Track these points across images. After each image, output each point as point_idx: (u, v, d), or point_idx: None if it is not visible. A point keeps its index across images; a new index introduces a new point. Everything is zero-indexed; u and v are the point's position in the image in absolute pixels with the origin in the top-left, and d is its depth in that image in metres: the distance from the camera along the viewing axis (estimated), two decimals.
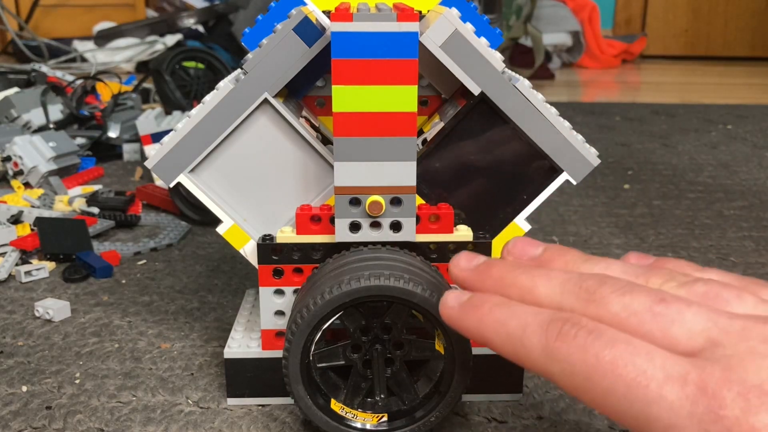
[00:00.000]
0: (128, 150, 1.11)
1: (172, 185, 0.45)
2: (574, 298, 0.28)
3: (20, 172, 0.93)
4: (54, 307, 0.59)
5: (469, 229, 0.44)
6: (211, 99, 0.44)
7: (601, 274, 0.28)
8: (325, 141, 0.46)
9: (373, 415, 0.42)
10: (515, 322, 0.27)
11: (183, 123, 0.44)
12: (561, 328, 0.26)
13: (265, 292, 0.45)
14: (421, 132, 0.49)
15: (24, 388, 0.49)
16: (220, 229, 0.46)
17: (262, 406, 0.46)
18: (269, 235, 0.44)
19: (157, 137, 1.03)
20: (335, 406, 0.42)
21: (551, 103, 0.45)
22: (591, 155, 0.45)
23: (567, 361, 0.25)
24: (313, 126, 0.47)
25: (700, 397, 0.22)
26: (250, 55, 0.44)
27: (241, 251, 0.46)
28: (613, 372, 0.24)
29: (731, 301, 0.26)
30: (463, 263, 0.32)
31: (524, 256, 0.32)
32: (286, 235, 0.44)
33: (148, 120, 1.05)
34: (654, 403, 0.23)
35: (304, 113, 0.47)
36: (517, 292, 0.29)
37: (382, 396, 0.43)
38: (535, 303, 0.28)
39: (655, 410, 0.23)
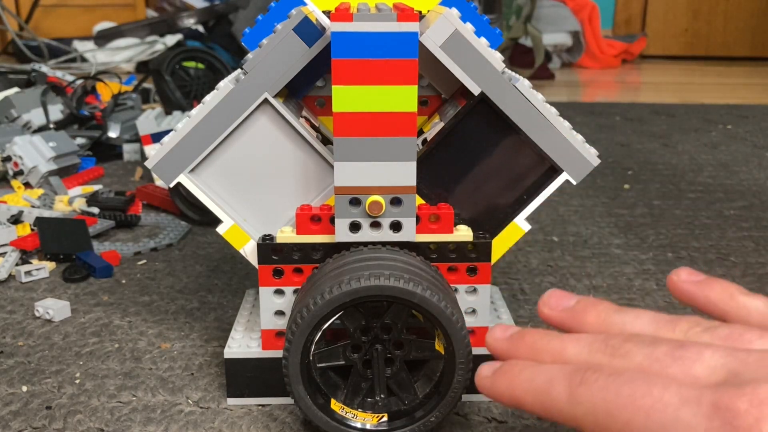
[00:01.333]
0: (128, 150, 1.11)
1: (172, 185, 0.45)
2: (601, 355, 0.29)
3: (20, 172, 0.93)
4: (54, 307, 0.59)
5: (469, 229, 0.44)
6: (211, 99, 0.44)
7: (627, 333, 0.30)
8: (325, 141, 0.46)
9: (373, 415, 0.42)
10: (543, 377, 0.29)
11: (183, 123, 0.44)
12: (584, 375, 0.27)
13: (265, 292, 0.45)
14: (421, 132, 0.49)
15: (24, 388, 0.49)
16: (220, 229, 0.46)
17: (262, 406, 0.46)
18: (269, 235, 0.44)
19: (157, 137, 1.03)
20: (335, 406, 0.42)
21: (551, 103, 0.45)
22: (591, 155, 0.45)
23: (590, 401, 0.27)
24: (313, 126, 0.47)
25: (714, 413, 0.23)
26: (250, 55, 0.44)
27: (241, 251, 0.46)
28: (633, 404, 0.25)
29: (753, 341, 0.27)
30: (498, 334, 0.33)
31: (558, 308, 0.33)
32: (286, 235, 0.44)
33: (148, 120, 1.05)
34: (671, 426, 0.24)
35: (304, 113, 0.47)
36: (549, 357, 0.31)
37: (382, 396, 0.43)
38: (565, 363, 0.30)
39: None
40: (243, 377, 0.46)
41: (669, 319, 0.30)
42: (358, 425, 0.42)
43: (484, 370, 0.32)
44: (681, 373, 0.26)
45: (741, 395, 0.23)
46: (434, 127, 0.46)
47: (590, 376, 0.27)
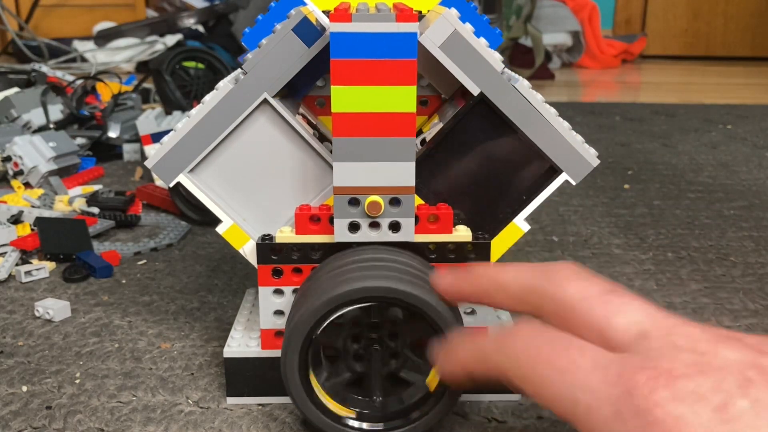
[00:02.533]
0: (128, 150, 1.11)
1: (172, 185, 0.45)
2: (538, 280, 0.32)
3: (20, 172, 0.93)
4: (54, 307, 0.59)
5: (468, 229, 0.44)
6: (210, 99, 0.44)
7: (570, 267, 0.33)
8: (322, 138, 0.46)
9: (371, 414, 0.42)
10: (477, 343, 0.34)
11: (183, 123, 0.44)
12: (513, 329, 0.31)
13: (265, 292, 0.45)
14: (420, 132, 0.49)
15: (24, 388, 0.49)
16: (220, 229, 0.46)
17: (262, 405, 0.46)
18: (268, 234, 0.44)
19: (157, 137, 1.03)
20: (332, 404, 0.42)
21: (551, 103, 0.45)
22: (590, 155, 0.45)
23: (514, 352, 0.30)
24: (310, 123, 0.47)
25: (617, 382, 0.25)
26: (249, 55, 0.44)
27: (241, 251, 0.46)
28: (550, 362, 0.28)
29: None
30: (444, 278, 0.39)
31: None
32: (286, 234, 0.44)
33: (148, 120, 1.05)
34: (579, 388, 0.26)
35: (301, 110, 0.47)
36: (487, 282, 0.36)
37: (379, 396, 0.43)
38: (503, 285, 0.34)
39: (579, 394, 0.26)
40: (242, 376, 0.46)
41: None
42: (355, 425, 0.42)
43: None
44: (603, 318, 0.28)
45: (642, 368, 0.25)
46: (433, 127, 0.46)
47: (519, 330, 0.30)
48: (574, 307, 0.30)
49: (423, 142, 0.47)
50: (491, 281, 0.35)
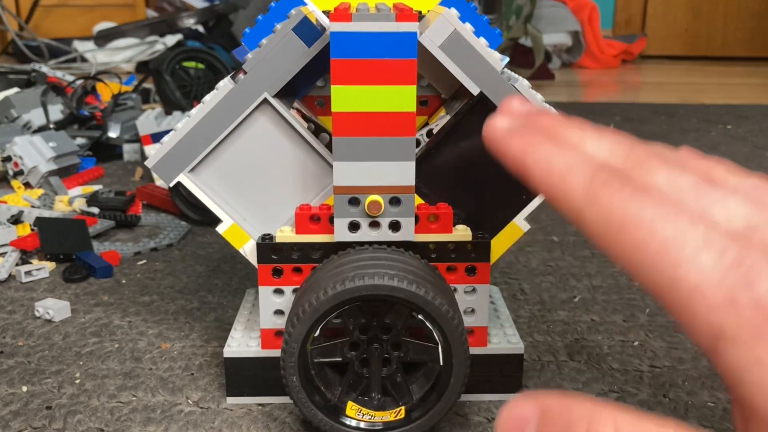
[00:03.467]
0: (128, 150, 1.11)
1: (172, 185, 0.45)
2: (621, 162, 0.26)
3: (20, 172, 0.93)
4: (54, 307, 0.59)
5: (468, 228, 0.44)
6: (210, 99, 0.44)
7: (654, 148, 0.27)
8: (318, 131, 0.46)
9: (373, 412, 0.42)
10: (562, 160, 0.26)
11: (183, 123, 0.44)
12: (609, 177, 0.25)
13: (265, 292, 0.45)
14: (426, 124, 0.49)
15: (24, 388, 0.49)
16: (220, 229, 0.46)
17: (262, 405, 0.46)
18: (269, 234, 0.44)
19: (157, 137, 1.03)
20: (333, 404, 0.42)
21: (551, 103, 0.45)
22: None
23: (606, 206, 0.24)
24: (304, 117, 0.47)
25: (735, 268, 0.22)
26: (249, 55, 0.44)
27: (241, 251, 0.46)
28: (652, 227, 0.23)
29: None
30: (515, 105, 0.30)
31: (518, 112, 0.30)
32: (286, 234, 0.44)
33: (148, 120, 1.05)
34: (684, 265, 0.22)
35: (295, 105, 0.47)
36: (563, 143, 0.28)
37: (378, 396, 0.43)
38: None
39: (683, 272, 0.22)
40: (242, 376, 0.46)
41: (693, 155, 0.27)
42: (353, 423, 0.42)
43: (499, 121, 0.29)
44: (699, 210, 0.24)
45: (765, 259, 0.21)
46: (441, 119, 0.47)
47: (617, 181, 0.25)
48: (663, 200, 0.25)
49: (429, 133, 0.47)
50: (567, 146, 0.28)
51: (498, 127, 0.29)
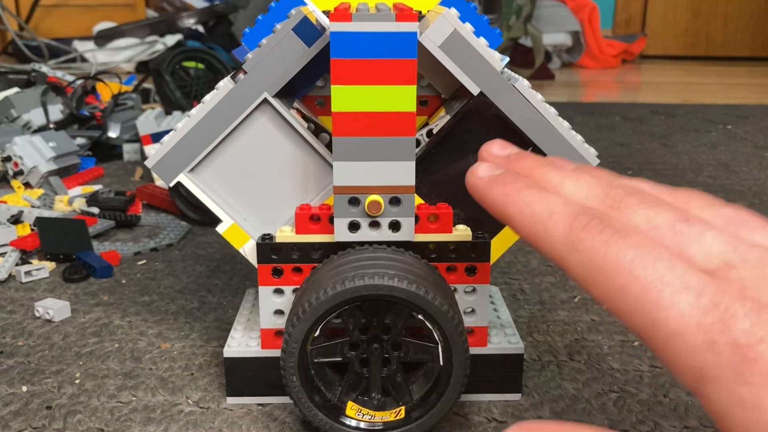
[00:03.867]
0: (128, 150, 1.11)
1: (172, 185, 0.45)
2: (599, 202, 0.27)
3: (20, 172, 0.93)
4: (54, 307, 0.59)
5: (468, 228, 0.44)
6: (210, 99, 0.44)
7: (632, 186, 0.28)
8: (318, 131, 0.46)
9: (373, 412, 0.42)
10: (543, 207, 0.27)
11: (183, 123, 0.44)
12: (589, 222, 0.26)
13: (265, 292, 0.45)
14: (426, 124, 0.49)
15: (24, 388, 0.49)
16: (220, 229, 0.46)
17: (262, 405, 0.46)
18: (269, 234, 0.44)
19: (157, 137, 1.03)
20: (333, 404, 0.42)
21: (551, 103, 0.45)
22: (590, 155, 0.45)
23: (587, 252, 0.25)
24: (304, 116, 0.47)
25: (712, 309, 0.22)
26: (249, 55, 0.44)
27: (241, 250, 0.46)
28: (631, 272, 0.24)
29: (756, 230, 0.25)
30: (495, 149, 0.31)
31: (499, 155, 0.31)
32: (286, 234, 0.44)
33: (148, 120, 1.05)
34: (664, 309, 0.23)
35: (295, 104, 0.47)
36: (542, 187, 0.29)
37: (378, 395, 0.43)
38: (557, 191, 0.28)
39: (663, 315, 0.23)
40: (242, 376, 0.46)
41: (668, 190, 0.28)
42: (353, 423, 0.42)
43: (481, 170, 0.30)
44: (676, 249, 0.24)
45: (743, 298, 0.22)
46: (441, 119, 0.47)
47: (596, 225, 0.25)
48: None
49: (429, 133, 0.47)
50: (546, 188, 0.29)
51: (479, 176, 0.30)
